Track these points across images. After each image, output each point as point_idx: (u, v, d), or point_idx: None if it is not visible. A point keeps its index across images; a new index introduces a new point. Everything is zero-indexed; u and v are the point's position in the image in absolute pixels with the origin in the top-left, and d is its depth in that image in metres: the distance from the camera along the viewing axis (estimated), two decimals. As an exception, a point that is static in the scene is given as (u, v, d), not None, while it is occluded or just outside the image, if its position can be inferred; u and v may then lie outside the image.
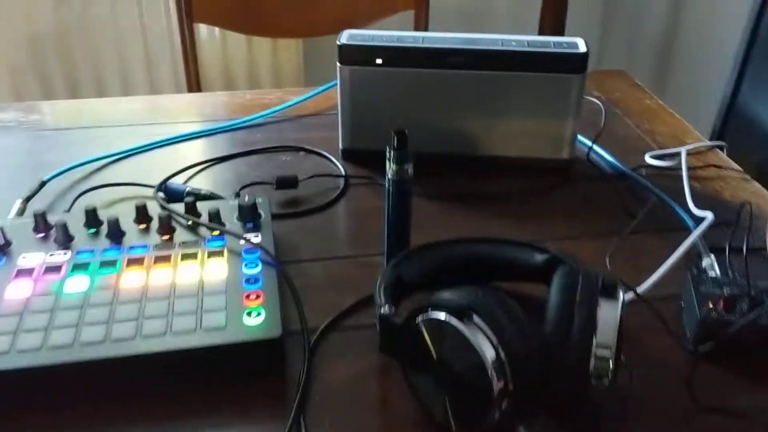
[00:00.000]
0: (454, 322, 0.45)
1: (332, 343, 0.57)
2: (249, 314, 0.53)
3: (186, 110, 0.98)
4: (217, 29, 1.81)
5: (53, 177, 0.76)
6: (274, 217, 0.70)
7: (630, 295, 0.58)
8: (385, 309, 0.50)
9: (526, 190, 0.77)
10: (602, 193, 0.77)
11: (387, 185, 0.60)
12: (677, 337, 0.57)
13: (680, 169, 0.78)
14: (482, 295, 0.46)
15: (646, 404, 0.51)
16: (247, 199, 0.65)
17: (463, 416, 0.46)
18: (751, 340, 0.54)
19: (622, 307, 0.48)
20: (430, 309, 0.46)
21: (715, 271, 0.61)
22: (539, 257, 0.58)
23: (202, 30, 1.80)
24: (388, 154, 0.59)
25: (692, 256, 0.64)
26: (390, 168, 0.59)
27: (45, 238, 0.62)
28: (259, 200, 0.66)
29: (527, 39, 0.77)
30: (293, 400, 0.51)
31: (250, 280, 0.57)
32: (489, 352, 0.44)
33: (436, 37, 0.78)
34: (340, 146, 0.83)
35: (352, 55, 0.77)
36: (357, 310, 0.60)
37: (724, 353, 0.54)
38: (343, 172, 0.80)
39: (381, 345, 0.52)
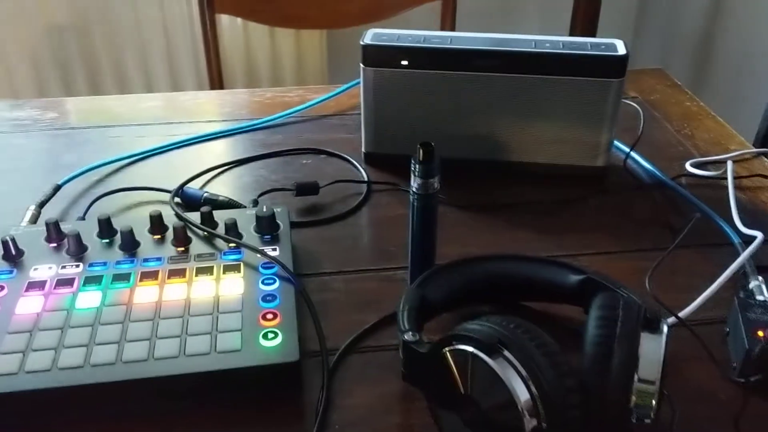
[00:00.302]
0: (483, 356, 0.42)
1: (352, 365, 0.54)
2: (265, 336, 0.51)
3: (205, 109, 0.95)
4: (239, 20, 1.78)
5: (68, 180, 0.74)
6: (294, 225, 0.67)
7: (671, 321, 0.54)
8: (408, 335, 0.47)
9: (559, 200, 0.74)
10: (640, 204, 0.73)
11: (412, 199, 0.57)
12: (722, 366, 0.53)
13: (724, 179, 0.74)
14: (513, 327, 0.43)
15: (689, 440, 0.48)
16: (265, 209, 0.62)
17: (491, 455, 0.43)
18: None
19: (666, 342, 0.45)
20: (457, 340, 0.43)
21: (764, 295, 0.57)
22: (574, 278, 0.55)
23: (224, 21, 1.77)
24: (413, 167, 0.55)
25: (738, 277, 0.60)
26: (415, 182, 0.56)
27: (57, 249, 0.60)
28: (277, 210, 0.63)
29: (562, 40, 0.73)
30: (311, 428, 0.48)
31: (267, 297, 0.54)
32: (521, 390, 0.40)
33: (464, 38, 0.74)
34: (363, 150, 0.79)
35: (376, 55, 0.74)
36: (379, 329, 0.57)
37: (773, 385, 0.51)
38: (366, 178, 0.77)
39: (404, 374, 0.49)
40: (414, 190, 0.56)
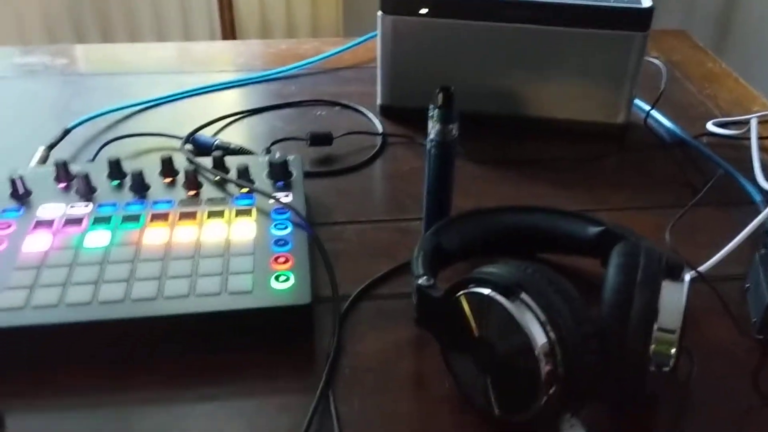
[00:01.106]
0: (500, 299, 0.40)
1: (365, 312, 0.53)
2: (277, 278, 0.50)
3: (218, 59, 0.93)
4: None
5: (78, 124, 0.73)
6: (307, 175, 0.66)
7: (691, 274, 0.53)
8: (423, 280, 0.46)
9: (578, 156, 0.72)
10: (660, 162, 0.71)
11: (429, 146, 0.55)
12: (741, 323, 0.52)
13: (747, 138, 0.72)
14: (532, 271, 0.42)
15: (706, 396, 0.47)
16: (278, 156, 0.61)
17: (505, 400, 0.42)
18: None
19: (684, 289, 0.44)
20: (473, 283, 0.42)
21: (784, 252, 0.56)
22: (593, 230, 0.53)
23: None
24: (431, 113, 0.54)
25: (760, 234, 0.59)
26: (433, 128, 0.54)
27: (66, 189, 0.59)
28: (290, 157, 0.62)
29: (587, -8, 0.71)
30: (321, 372, 0.47)
31: (280, 242, 0.53)
32: (538, 334, 0.39)
33: (486, -13, 0.72)
34: (379, 102, 0.78)
35: (395, 2, 0.72)
36: (392, 277, 0.56)
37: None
38: (381, 130, 0.75)
39: (417, 318, 0.48)
40: (432, 136, 0.55)
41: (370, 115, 0.78)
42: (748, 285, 0.54)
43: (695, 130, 0.75)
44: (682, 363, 0.47)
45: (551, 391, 0.40)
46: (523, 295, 0.40)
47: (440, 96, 0.53)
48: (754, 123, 0.73)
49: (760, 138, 0.74)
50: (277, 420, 0.45)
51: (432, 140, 0.55)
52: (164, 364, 0.48)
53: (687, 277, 0.43)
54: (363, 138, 0.74)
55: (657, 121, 0.77)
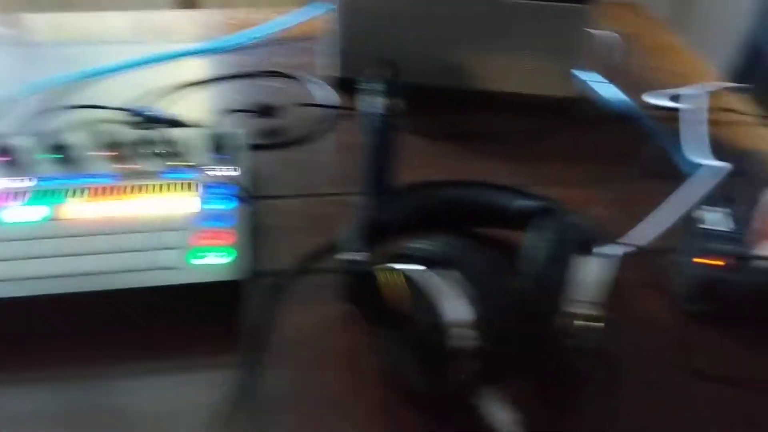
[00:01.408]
0: (421, 274, 0.41)
1: (301, 287, 0.53)
2: (208, 254, 0.50)
3: (173, 29, 0.92)
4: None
5: (23, 96, 0.72)
6: (254, 147, 0.66)
7: (622, 248, 0.54)
8: (350, 255, 0.47)
9: (524, 130, 0.72)
10: (605, 135, 0.72)
11: (371, 120, 0.55)
12: (671, 296, 0.53)
13: (694, 111, 0.73)
14: (457, 246, 0.42)
15: (634, 369, 0.48)
16: (221, 129, 0.61)
17: (429, 375, 0.43)
18: (751, 302, 0.50)
19: (609, 262, 0.44)
20: (396, 259, 0.43)
21: (718, 225, 0.56)
22: (526, 203, 0.54)
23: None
24: (373, 87, 0.54)
25: (694, 208, 0.59)
26: (375, 101, 0.54)
27: (3, 163, 0.58)
28: (234, 130, 0.62)
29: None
30: (250, 347, 0.48)
31: (216, 216, 0.53)
32: (460, 309, 0.40)
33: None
34: (333, 74, 0.77)
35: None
36: (330, 252, 0.56)
37: (720, 315, 0.50)
38: (334, 103, 0.75)
39: (344, 294, 0.48)
40: (373, 110, 0.55)
41: (325, 87, 0.78)
42: (679, 259, 0.55)
43: (644, 103, 0.76)
44: (611, 336, 0.49)
45: (472, 366, 0.41)
46: (447, 271, 0.41)
47: (383, 70, 0.53)
48: (699, 98, 0.73)
49: (708, 111, 0.74)
50: (203, 395, 0.45)
51: (374, 114, 0.55)
52: (84, 338, 0.48)
53: (611, 251, 0.43)
54: (316, 110, 0.74)
55: (605, 93, 0.77)
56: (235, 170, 0.59)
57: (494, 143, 0.70)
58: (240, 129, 0.63)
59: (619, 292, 0.53)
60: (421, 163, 0.67)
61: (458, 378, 0.41)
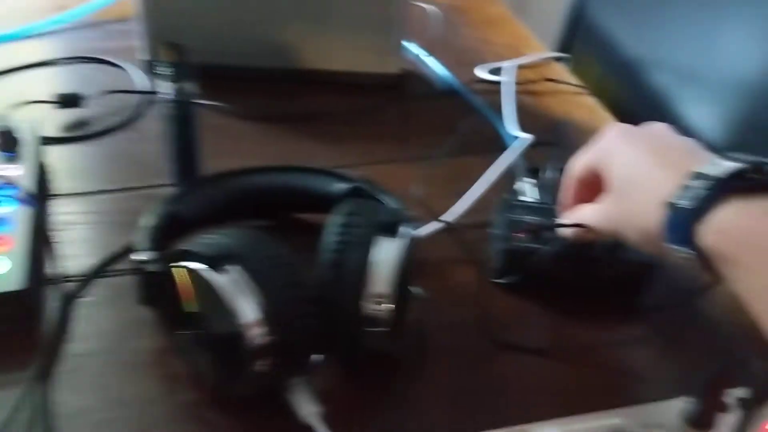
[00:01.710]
0: (207, 272, 0.38)
1: (98, 291, 0.49)
2: (-12, 264, 0.45)
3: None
4: None
5: None
6: (54, 141, 0.61)
7: (433, 225, 0.54)
8: (139, 255, 0.43)
9: (350, 109, 0.71)
10: (430, 112, 0.72)
11: (165, 107, 0.52)
12: (485, 269, 0.53)
13: (513, 83, 0.74)
14: (242, 239, 0.40)
15: (444, 345, 0.48)
16: (8, 122, 0.55)
17: (225, 374, 0.41)
18: (555, 270, 0.51)
19: (410, 242, 0.44)
20: (182, 256, 0.40)
21: (529, 196, 0.57)
22: (342, 187, 0.52)
23: None
24: (162, 71, 0.50)
25: (513, 179, 0.60)
26: (166, 87, 0.51)
27: None
28: (21, 124, 0.56)
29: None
30: (41, 360, 0.44)
31: (-4, 221, 0.48)
32: (245, 306, 0.38)
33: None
34: (143, 58, 0.72)
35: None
36: (131, 252, 0.52)
37: (527, 285, 0.51)
38: (144, 88, 0.70)
39: (138, 296, 0.45)
40: (166, 97, 0.51)
41: (134, 72, 0.72)
42: (492, 231, 0.55)
43: (468, 77, 0.76)
44: (421, 312, 0.48)
45: (264, 362, 0.39)
46: (230, 267, 0.39)
47: (168, 53, 0.49)
48: (510, 70, 0.75)
49: (526, 82, 0.76)
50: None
51: (167, 100, 0.51)
52: None
53: (406, 232, 0.42)
54: (125, 97, 0.69)
55: (432, 68, 0.77)
56: (22, 168, 0.53)
57: (318, 124, 0.68)
58: (30, 123, 0.57)
59: (431, 268, 0.53)
60: (242, 149, 0.64)
61: (257, 375, 0.39)
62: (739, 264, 0.34)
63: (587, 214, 0.45)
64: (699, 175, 0.36)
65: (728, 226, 0.34)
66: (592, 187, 0.46)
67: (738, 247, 0.34)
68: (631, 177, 0.41)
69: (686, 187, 0.36)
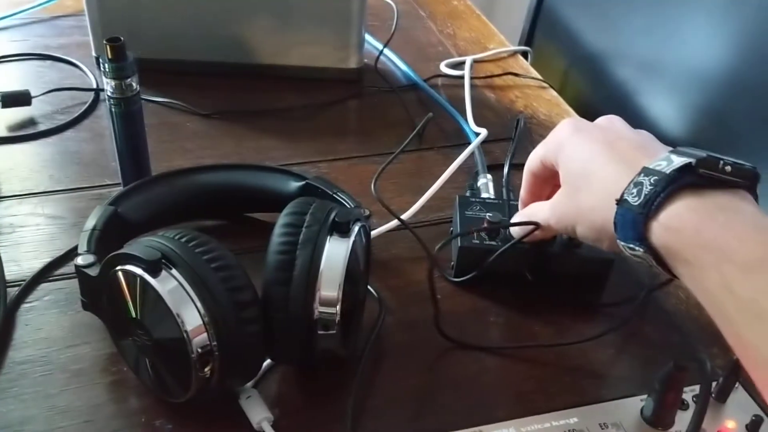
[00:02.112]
0: (146, 276, 0.37)
1: (41, 297, 0.47)
2: None
3: None
4: None
5: None
6: (-2, 141, 0.59)
7: (393, 222, 0.52)
8: (80, 259, 0.42)
9: (309, 105, 0.69)
10: (391, 107, 0.70)
11: (109, 105, 0.50)
12: (443, 267, 0.52)
13: (474, 77, 0.73)
14: (184, 241, 0.38)
15: (400, 345, 0.47)
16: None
17: (168, 381, 0.39)
18: (516, 269, 0.50)
19: (361, 243, 0.42)
20: (122, 260, 0.38)
21: (490, 192, 0.57)
22: (295, 185, 0.51)
23: None
24: (102, 68, 0.48)
25: (473, 175, 0.59)
26: (108, 84, 0.49)
27: None
28: (-40, 124, 0.54)
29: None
30: (-19, 372, 0.42)
31: (-71, 226, 0.46)
32: (187, 312, 0.36)
33: None
34: (93, 54, 0.70)
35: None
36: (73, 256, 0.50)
37: (487, 284, 0.50)
38: (95, 85, 0.68)
39: (82, 301, 0.43)
40: (109, 94, 0.49)
41: (86, 68, 0.70)
42: (452, 229, 0.54)
43: (431, 71, 0.75)
44: (375, 314, 0.47)
45: (209, 369, 0.37)
46: (172, 271, 0.37)
47: (108, 48, 0.47)
48: (468, 64, 0.74)
49: (488, 76, 0.75)
50: None
51: (110, 98, 0.49)
52: None
53: (356, 230, 0.41)
54: (75, 95, 0.67)
55: (393, 63, 0.76)
56: (-39, 170, 0.51)
57: (275, 120, 0.67)
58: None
59: (387, 266, 0.52)
60: (197, 146, 0.63)
61: (204, 382, 0.38)
62: (690, 263, 0.33)
63: (540, 211, 0.45)
64: (649, 171, 0.35)
65: (679, 223, 0.33)
66: (547, 182, 0.45)
67: (689, 245, 0.33)
68: (584, 171, 0.40)
69: (635, 183, 0.35)
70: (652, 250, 0.35)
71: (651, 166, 0.35)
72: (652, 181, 0.34)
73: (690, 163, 0.34)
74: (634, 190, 0.35)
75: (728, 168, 0.34)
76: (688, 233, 0.33)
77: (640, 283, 0.51)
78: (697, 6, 0.66)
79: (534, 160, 0.45)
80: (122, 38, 0.47)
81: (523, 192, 0.48)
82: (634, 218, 0.35)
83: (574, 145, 0.41)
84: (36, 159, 0.59)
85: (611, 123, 0.42)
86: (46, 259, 0.50)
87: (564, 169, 0.41)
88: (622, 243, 0.36)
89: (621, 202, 0.36)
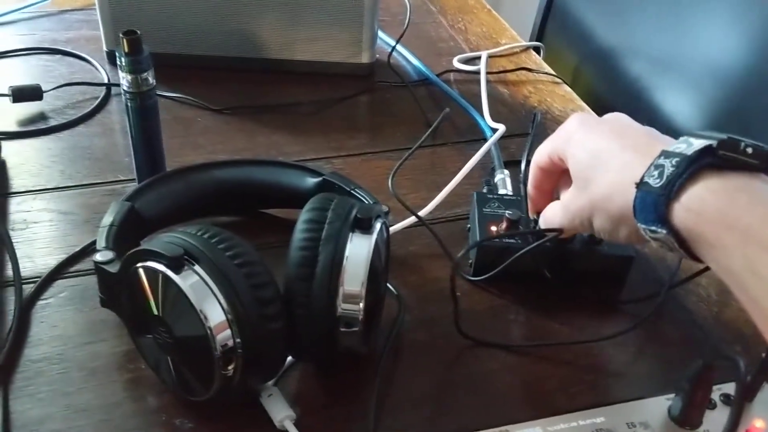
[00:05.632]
0: (170, 273, 0.36)
1: (57, 294, 0.47)
2: (-68, 267, 0.42)
3: None
4: None
5: None
6: (9, 136, 0.58)
7: (410, 219, 0.52)
8: (100, 255, 0.41)
9: (322, 100, 0.68)
10: (404, 102, 0.70)
11: (125, 99, 0.49)
12: (461, 264, 0.51)
13: (487, 73, 0.72)
14: (207, 237, 0.38)
15: (420, 343, 0.46)
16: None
17: (190, 380, 0.39)
18: (535, 267, 0.49)
19: (383, 240, 0.42)
20: (144, 256, 0.38)
21: (507, 188, 0.56)
22: (311, 181, 0.51)
23: None
24: (119, 62, 0.47)
25: (489, 171, 0.59)
26: (124, 78, 0.48)
27: None
28: (-27, 118, 0.53)
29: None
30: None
31: (-57, 222, 0.46)
32: (210, 309, 0.36)
33: None
34: (104, 48, 0.70)
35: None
36: (93, 251, 0.50)
37: (506, 282, 0.50)
38: (106, 80, 0.67)
39: (101, 297, 0.43)
40: (125, 88, 0.49)
41: (96, 62, 0.70)
42: (469, 226, 0.54)
43: (443, 66, 0.74)
44: (394, 311, 0.47)
45: (232, 367, 0.37)
46: (195, 267, 0.37)
47: (125, 42, 0.47)
48: (483, 58, 0.73)
49: (501, 72, 0.75)
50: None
51: (126, 92, 0.49)
52: None
53: (378, 227, 0.41)
54: (86, 89, 0.66)
55: (405, 58, 0.75)
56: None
57: (288, 115, 0.66)
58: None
59: (405, 264, 0.52)
60: (209, 140, 0.62)
61: (226, 379, 0.37)
62: (713, 244, 0.32)
63: (554, 215, 0.44)
64: (669, 154, 0.35)
65: (701, 204, 0.33)
66: (553, 176, 0.45)
67: (713, 227, 0.32)
68: (595, 162, 0.39)
69: (656, 166, 0.35)
70: (675, 233, 0.34)
71: (670, 149, 0.35)
72: (673, 162, 0.34)
73: (711, 144, 0.33)
74: (655, 173, 0.34)
75: (749, 150, 0.33)
76: (711, 215, 0.32)
77: (660, 281, 0.51)
78: (713, 2, 0.65)
79: (542, 154, 0.45)
80: (138, 32, 0.47)
81: (529, 186, 0.47)
82: (656, 200, 0.34)
83: (583, 138, 0.41)
84: (47, 154, 0.59)
85: (618, 117, 0.42)
86: (59, 256, 0.49)
87: (574, 163, 0.41)
88: (643, 226, 0.35)
89: (641, 185, 0.35)
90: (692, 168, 0.33)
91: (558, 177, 0.45)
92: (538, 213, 0.47)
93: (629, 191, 0.36)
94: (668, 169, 0.34)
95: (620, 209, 0.37)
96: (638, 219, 0.36)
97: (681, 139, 0.36)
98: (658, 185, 0.34)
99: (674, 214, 0.34)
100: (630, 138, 0.39)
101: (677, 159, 0.34)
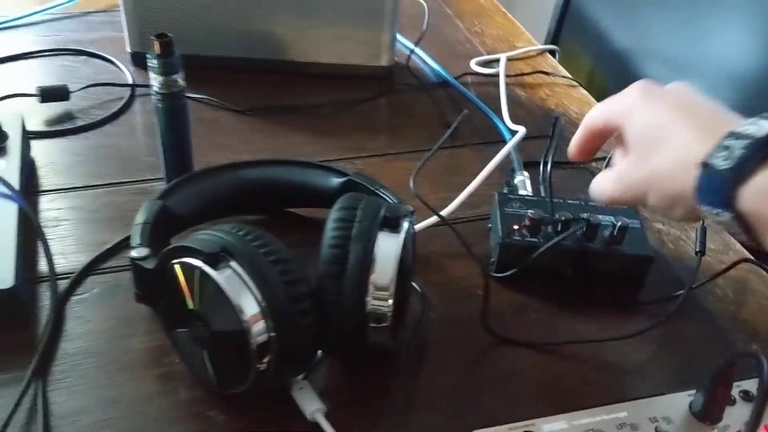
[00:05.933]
0: (206, 268, 0.37)
1: (90, 289, 0.48)
2: (-27, 262, 0.43)
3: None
4: None
5: None
6: (37, 135, 0.59)
7: (430, 220, 0.53)
8: (136, 252, 0.42)
9: (341, 102, 0.70)
10: (422, 105, 0.71)
11: (155, 101, 0.50)
12: (483, 263, 0.52)
13: (502, 76, 0.73)
14: (242, 234, 0.39)
15: (445, 340, 0.47)
16: (-10, 116, 0.54)
17: (225, 373, 0.40)
18: (557, 266, 0.50)
19: (410, 236, 0.43)
20: (181, 253, 0.39)
21: (527, 189, 0.57)
22: (336, 181, 0.52)
23: None
24: (150, 64, 0.49)
25: (508, 173, 0.60)
26: (155, 80, 0.49)
27: None
28: (4, 117, 0.54)
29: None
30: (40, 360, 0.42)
31: (-24, 219, 0.47)
32: (246, 303, 0.37)
33: None
34: (128, 49, 0.71)
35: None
36: (124, 247, 0.51)
37: (528, 280, 0.51)
38: (130, 80, 0.69)
39: (136, 293, 0.44)
40: (156, 89, 0.50)
41: (120, 63, 0.71)
42: (490, 225, 0.55)
43: (460, 69, 0.75)
44: (419, 309, 0.48)
45: (266, 360, 0.38)
46: (231, 263, 0.38)
47: (156, 44, 0.48)
48: (502, 61, 0.74)
49: (518, 75, 0.76)
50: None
51: (157, 93, 0.50)
52: None
53: (405, 226, 0.42)
54: (110, 90, 0.67)
55: (423, 61, 0.76)
56: (6, 163, 0.52)
57: (309, 117, 0.67)
58: (11, 115, 0.56)
59: (429, 263, 0.53)
60: (231, 141, 0.63)
61: (260, 372, 0.38)
62: None
63: (605, 185, 0.42)
64: (738, 135, 0.33)
65: None
66: (602, 140, 0.43)
67: None
68: (657, 135, 0.38)
69: (723, 147, 0.33)
70: (739, 216, 0.33)
71: (739, 130, 0.34)
72: (743, 144, 0.33)
73: None
74: (722, 154, 0.33)
75: None
76: None
77: (680, 281, 0.52)
78: (729, 4, 0.66)
79: (596, 117, 0.42)
80: (170, 34, 0.48)
81: (572, 146, 0.45)
82: (722, 183, 0.33)
83: (645, 109, 0.39)
84: (74, 153, 0.60)
85: (682, 88, 0.40)
86: (91, 253, 0.50)
87: (633, 134, 0.39)
88: (706, 208, 0.34)
89: (705, 166, 0.34)
90: (763, 152, 0.32)
91: (604, 141, 0.43)
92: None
93: (691, 171, 0.35)
94: (737, 151, 0.33)
95: (680, 188, 0.36)
96: (701, 201, 0.35)
97: (750, 120, 0.34)
98: (725, 167, 0.33)
99: (741, 198, 0.33)
100: (694, 113, 0.37)
101: (748, 141, 0.33)
